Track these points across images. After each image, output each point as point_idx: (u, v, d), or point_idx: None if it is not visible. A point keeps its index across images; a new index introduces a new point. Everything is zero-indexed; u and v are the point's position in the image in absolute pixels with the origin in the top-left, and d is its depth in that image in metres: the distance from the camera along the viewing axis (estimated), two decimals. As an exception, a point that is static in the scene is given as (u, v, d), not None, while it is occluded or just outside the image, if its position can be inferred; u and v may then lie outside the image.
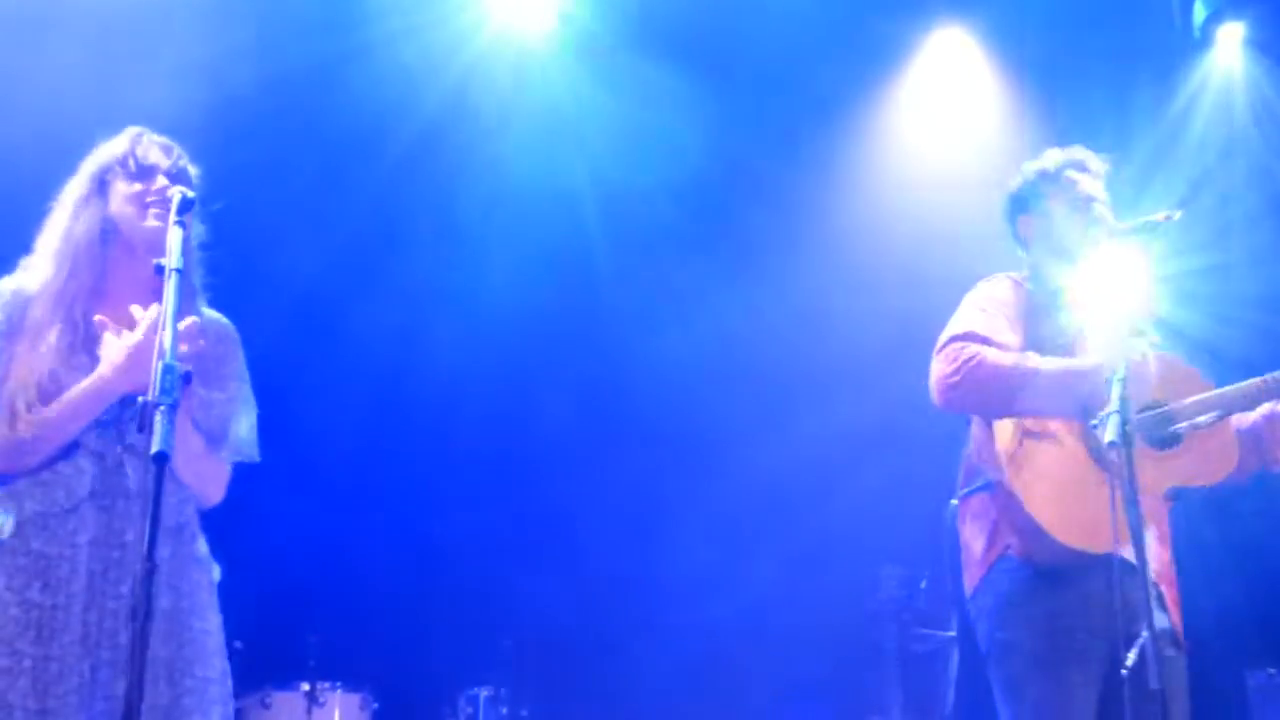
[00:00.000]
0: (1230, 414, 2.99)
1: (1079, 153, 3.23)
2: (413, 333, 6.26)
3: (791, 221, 6.62)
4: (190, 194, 2.53)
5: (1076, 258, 3.12)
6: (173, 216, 2.46)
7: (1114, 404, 2.49)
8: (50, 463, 2.62)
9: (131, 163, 2.76)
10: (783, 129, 6.51)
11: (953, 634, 5.88)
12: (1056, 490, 2.94)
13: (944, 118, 6.74)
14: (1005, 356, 2.99)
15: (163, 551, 2.57)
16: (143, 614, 2.09)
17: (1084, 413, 2.90)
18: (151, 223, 2.69)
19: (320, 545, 6.14)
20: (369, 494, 6.31)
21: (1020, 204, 3.27)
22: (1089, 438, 2.96)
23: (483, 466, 6.58)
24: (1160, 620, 2.85)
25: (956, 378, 3.00)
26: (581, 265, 6.62)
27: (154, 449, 2.14)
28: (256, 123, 5.53)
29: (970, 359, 2.99)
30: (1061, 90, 6.37)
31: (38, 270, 2.75)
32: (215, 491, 2.82)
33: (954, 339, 3.06)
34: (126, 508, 2.62)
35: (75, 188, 2.79)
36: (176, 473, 2.67)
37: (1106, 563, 2.82)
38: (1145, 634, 2.35)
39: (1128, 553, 2.51)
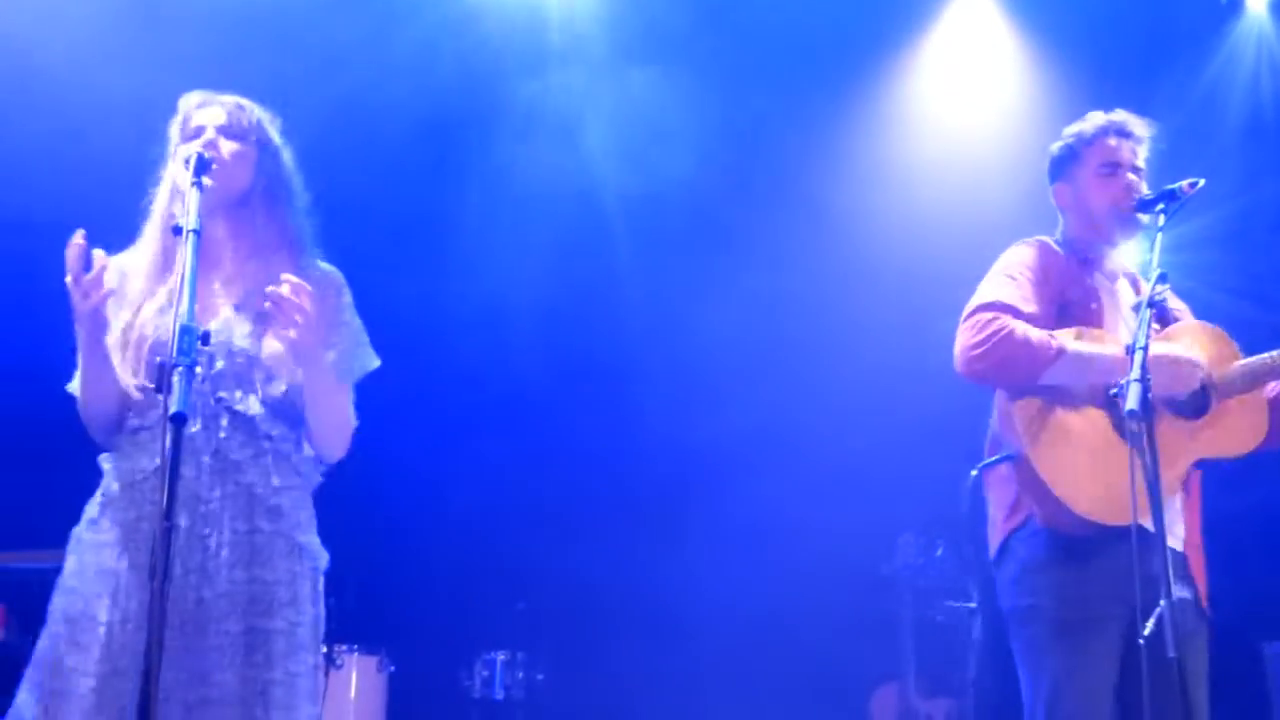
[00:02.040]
0: (1265, 382, 2.94)
1: (1120, 116, 3.14)
2: (429, 316, 6.21)
3: (810, 198, 6.52)
4: (207, 154, 2.50)
5: (1104, 227, 3.09)
6: (190, 177, 2.43)
7: (1135, 372, 2.45)
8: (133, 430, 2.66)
9: (188, 126, 2.73)
10: (799, 102, 6.41)
11: (974, 605, 5.89)
12: (1078, 463, 2.90)
13: (966, 87, 6.65)
14: (1032, 332, 2.92)
15: (242, 526, 2.61)
16: (160, 574, 2.08)
17: (1105, 393, 2.87)
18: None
19: (337, 508, 6.14)
20: (386, 457, 6.31)
21: (1056, 169, 3.19)
22: (1113, 409, 2.90)
23: (499, 433, 6.57)
24: (1182, 591, 2.81)
25: (981, 349, 2.92)
26: (600, 248, 6.57)
27: (172, 409, 2.14)
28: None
29: (997, 331, 2.91)
30: (1086, 58, 6.28)
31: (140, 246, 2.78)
32: (340, 441, 2.91)
33: (981, 308, 2.99)
34: (213, 465, 2.62)
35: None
36: (311, 432, 2.79)
37: (1129, 534, 2.81)
38: (1163, 603, 2.34)
39: (1149, 522, 2.49)
